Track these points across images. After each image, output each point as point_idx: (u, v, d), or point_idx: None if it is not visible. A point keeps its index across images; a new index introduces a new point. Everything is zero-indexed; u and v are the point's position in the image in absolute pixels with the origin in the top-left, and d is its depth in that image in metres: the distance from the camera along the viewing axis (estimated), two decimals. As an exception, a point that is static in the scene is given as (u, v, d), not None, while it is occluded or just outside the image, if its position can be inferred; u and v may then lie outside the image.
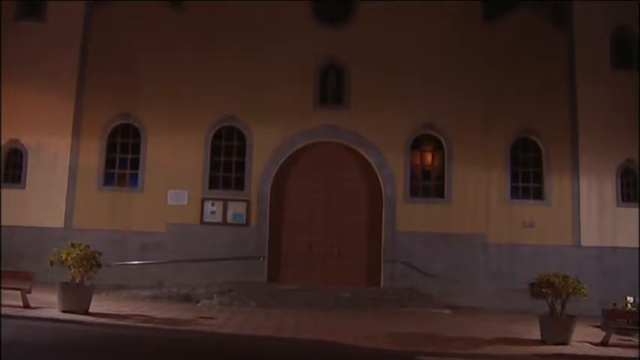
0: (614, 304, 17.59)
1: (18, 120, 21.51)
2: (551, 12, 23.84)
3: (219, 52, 21.98)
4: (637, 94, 22.10)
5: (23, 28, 22.33)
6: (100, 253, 15.48)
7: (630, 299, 18.21)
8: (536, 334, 14.74)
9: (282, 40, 22.02)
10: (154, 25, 22.16)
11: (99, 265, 15.40)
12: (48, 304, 15.45)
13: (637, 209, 21.61)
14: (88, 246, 15.53)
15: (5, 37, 21.96)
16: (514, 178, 22.09)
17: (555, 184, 21.96)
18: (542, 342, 14.27)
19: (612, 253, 21.45)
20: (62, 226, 21.24)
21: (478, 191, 21.70)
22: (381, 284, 21.19)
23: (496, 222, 21.62)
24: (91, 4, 22.40)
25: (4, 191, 21.13)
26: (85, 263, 15.13)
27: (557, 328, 14.40)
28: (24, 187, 21.65)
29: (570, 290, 14.30)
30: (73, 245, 15.43)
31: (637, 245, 21.05)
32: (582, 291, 14.39)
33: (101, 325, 13.84)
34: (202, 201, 21.44)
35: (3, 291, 14.79)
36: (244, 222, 21.41)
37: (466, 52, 22.21)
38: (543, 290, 14.41)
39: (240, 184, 21.72)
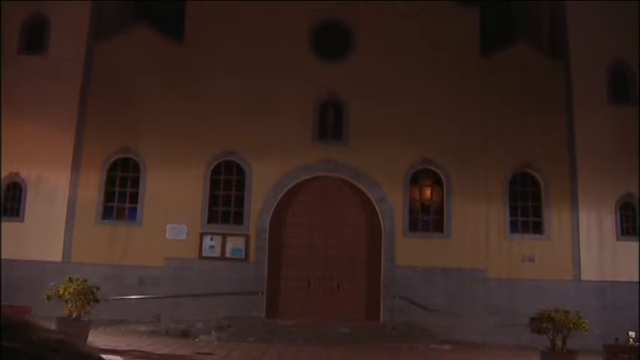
0: (616, 339, 17.40)
1: (18, 153, 21.51)
2: (548, 46, 24.17)
3: (218, 86, 22.16)
4: (634, 128, 22.21)
5: (25, 61, 22.55)
6: (97, 288, 15.37)
7: (632, 334, 17.98)
8: (538, 370, 14.57)
9: (281, 74, 22.24)
10: (154, 59, 22.41)
11: (96, 300, 15.28)
12: (44, 339, 15.22)
13: (637, 243, 21.51)
14: (86, 280, 15.42)
15: (7, 70, 22.13)
16: (513, 212, 22.07)
17: (555, 218, 21.93)
18: (544, 378, 14.10)
19: (613, 288, 21.28)
20: (60, 259, 21.10)
21: (477, 225, 21.67)
22: (381, 319, 21.01)
23: (496, 256, 21.53)
24: (92, 38, 22.63)
25: (3, 224, 21.04)
26: (82, 298, 15.02)
27: (558, 363, 14.24)
28: (22, 221, 21.57)
29: (571, 325, 14.15)
30: (70, 279, 15.32)
31: (637, 280, 20.89)
32: (583, 326, 14.24)
33: (97, 361, 13.62)
34: (201, 235, 21.38)
35: None
36: (243, 257, 21.31)
37: (464, 87, 22.44)
38: (544, 325, 14.27)
39: (239, 219, 21.69)
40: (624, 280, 21.29)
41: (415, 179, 22.17)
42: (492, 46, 23.08)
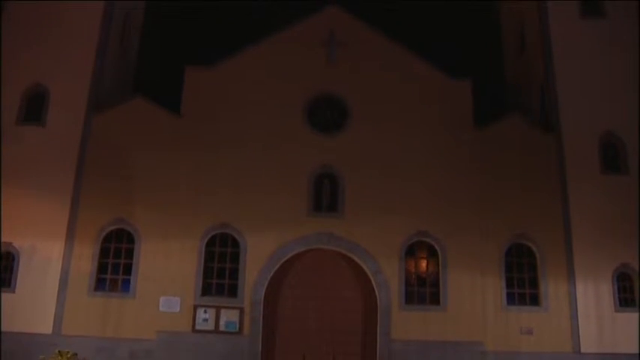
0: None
1: (12, 223, 21.43)
2: (540, 118, 24.54)
3: (214, 158, 22.35)
4: (628, 198, 22.37)
5: (23, 132, 22.70)
6: (87, 362, 15.12)
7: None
8: None
9: (277, 147, 22.48)
10: (151, 131, 22.64)
11: (86, 374, 15.00)
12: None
13: (636, 314, 21.36)
14: (76, 354, 15.21)
15: (5, 140, 22.28)
16: (510, 284, 21.91)
17: (551, 290, 21.77)
18: None
19: (613, 360, 21.01)
20: (50, 332, 20.72)
21: (474, 298, 21.48)
22: (377, 393, 20.61)
23: (493, 329, 21.26)
24: (90, 109, 22.85)
25: (-6, 295, 20.82)
26: (71, 372, 14.74)
27: None
28: (14, 291, 21.29)
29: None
30: (60, 353, 15.06)
31: (637, 351, 20.66)
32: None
33: None
34: (195, 308, 21.11)
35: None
36: (237, 330, 20.99)
37: (458, 158, 22.67)
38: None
39: (233, 291, 21.46)
40: (624, 352, 21.00)
41: (411, 251, 22.07)
42: (485, 118, 23.49)
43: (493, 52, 30.73)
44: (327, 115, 23.13)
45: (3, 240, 21.53)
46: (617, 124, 23.39)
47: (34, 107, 23.09)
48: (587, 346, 21.29)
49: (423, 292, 21.83)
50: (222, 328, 21.01)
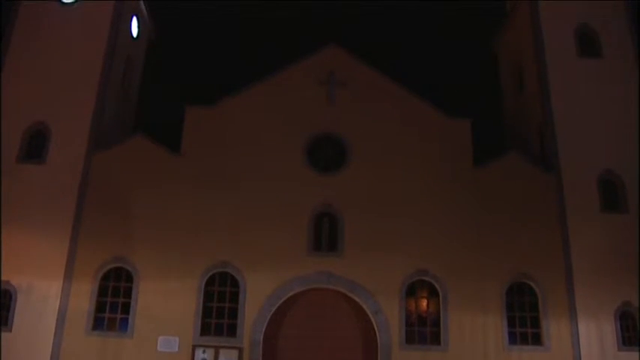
0: None
1: (10, 261, 21.36)
2: (539, 156, 24.66)
3: (214, 197, 22.40)
4: (628, 236, 22.35)
5: (23, 169, 22.78)
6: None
7: None
8: None
9: (276, 186, 22.57)
10: (151, 170, 22.73)
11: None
12: None
13: (638, 354, 21.14)
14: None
15: (5, 178, 22.34)
16: (511, 323, 21.74)
17: (553, 329, 21.59)
18: None
19: (617, 400, 20.76)
20: (47, 372, 20.52)
21: (475, 337, 21.30)
22: None
23: (495, 369, 21.04)
24: (91, 147, 22.97)
25: (-11, 334, 20.63)
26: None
27: None
28: (10, 330, 21.08)
29: None
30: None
31: (641, 391, 20.46)
32: None
33: None
34: (193, 348, 20.90)
35: None
36: (236, 370, 20.80)
37: (458, 197, 22.72)
38: None
39: (232, 331, 21.28)
40: (628, 392, 20.78)
41: (411, 290, 21.95)
42: (485, 156, 23.60)
43: (492, 92, 31.10)
44: (326, 154, 23.28)
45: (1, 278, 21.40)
46: (616, 162, 23.54)
47: (35, 145, 23.23)
48: (591, 385, 21.08)
49: (424, 331, 21.64)
50: (221, 368, 20.81)
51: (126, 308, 21.50)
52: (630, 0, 26.64)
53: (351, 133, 23.39)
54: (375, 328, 21.32)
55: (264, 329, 21.19)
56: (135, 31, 27.93)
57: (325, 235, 22.20)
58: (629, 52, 25.56)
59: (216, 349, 20.93)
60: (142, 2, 28.25)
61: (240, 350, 20.92)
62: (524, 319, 21.88)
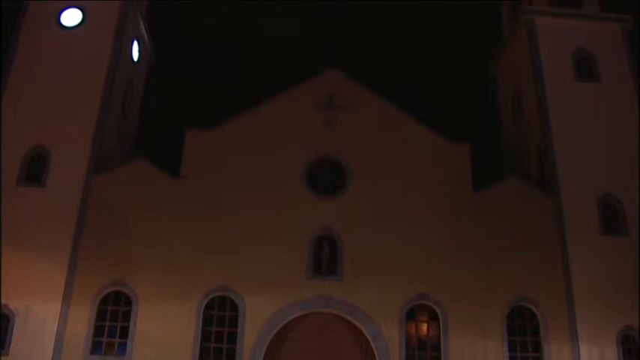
0: None
1: (8, 284, 21.22)
2: (538, 180, 24.70)
3: (214, 220, 22.39)
4: (628, 259, 22.32)
5: (23, 192, 22.75)
6: None
7: None
8: None
9: (276, 209, 22.56)
10: (151, 194, 22.75)
11: None
12: None
13: (640, 378, 21.02)
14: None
15: (4, 201, 22.30)
16: (512, 347, 21.60)
17: (555, 354, 21.45)
18: None
19: None
20: (42, 399, 20.32)
21: (476, 362, 21.15)
22: None
23: (496, 395, 20.87)
24: (91, 171, 23.00)
25: (-13, 359, 20.45)
26: None
27: None
28: (7, 354, 20.89)
29: None
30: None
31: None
32: None
33: None
34: (192, 373, 20.74)
35: None
36: (235, 396, 20.58)
37: (458, 221, 22.71)
38: None
39: (231, 356, 21.11)
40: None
41: (411, 315, 21.83)
42: (484, 180, 23.65)
43: (491, 116, 31.26)
44: (326, 177, 23.33)
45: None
46: (615, 185, 23.59)
47: (35, 168, 23.23)
48: (593, 411, 20.88)
49: (424, 355, 21.50)
50: (219, 393, 20.60)
51: (124, 332, 21.36)
52: (626, 24, 26.94)
53: (350, 157, 23.46)
54: (376, 353, 21.16)
55: (263, 354, 21.03)
56: (136, 55, 28.12)
57: (325, 258, 22.15)
58: (626, 76, 25.78)
59: (215, 374, 20.78)
60: (142, 26, 28.47)
61: (240, 375, 20.77)
62: (525, 343, 21.75)
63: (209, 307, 21.65)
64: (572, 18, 26.95)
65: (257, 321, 21.28)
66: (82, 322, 21.27)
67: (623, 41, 26.62)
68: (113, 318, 21.60)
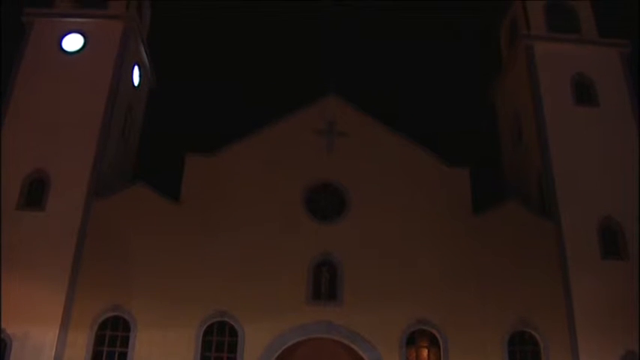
0: None
1: (6, 309, 21.06)
2: (538, 204, 24.69)
3: (213, 245, 22.33)
4: (629, 284, 22.21)
5: (22, 217, 22.70)
6: None
7: None
8: None
9: (275, 234, 22.53)
10: (151, 218, 22.72)
11: None
12: None
13: (643, 405, 20.80)
14: None
15: (3, 225, 22.26)
16: (514, 373, 21.43)
17: (557, 379, 21.28)
18: None
19: None
20: None
21: (477, 389, 20.93)
22: None
23: (497, 422, 20.64)
24: (91, 195, 22.99)
25: (-18, 387, 20.23)
26: None
27: None
28: (3, 381, 20.71)
29: None
30: None
31: None
32: None
33: None
34: (190, 399, 20.51)
35: None
36: None
37: (458, 245, 22.68)
38: None
39: (230, 382, 20.95)
40: None
41: (411, 340, 21.65)
42: (484, 204, 23.65)
43: (490, 140, 31.35)
44: (326, 202, 23.32)
45: (-6, 327, 21.16)
46: (615, 210, 23.57)
47: (35, 192, 23.21)
48: None
49: (425, 383, 21.32)
50: (218, 421, 20.35)
51: (123, 358, 21.17)
52: (624, 49, 27.13)
53: (350, 182, 23.48)
54: (376, 379, 21.01)
55: (262, 381, 20.86)
56: (136, 80, 28.30)
57: (325, 284, 22.05)
58: (625, 100, 25.92)
59: (214, 400, 20.55)
60: (143, 51, 28.69)
61: (238, 402, 20.54)
62: (526, 369, 21.58)
63: (208, 332, 21.46)
64: (571, 43, 27.19)
65: (256, 346, 21.11)
66: (80, 348, 21.08)
67: (622, 66, 26.82)
68: (111, 343, 21.42)
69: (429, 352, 21.68)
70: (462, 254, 22.51)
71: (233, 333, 21.47)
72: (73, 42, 26.00)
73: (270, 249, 22.27)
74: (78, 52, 25.86)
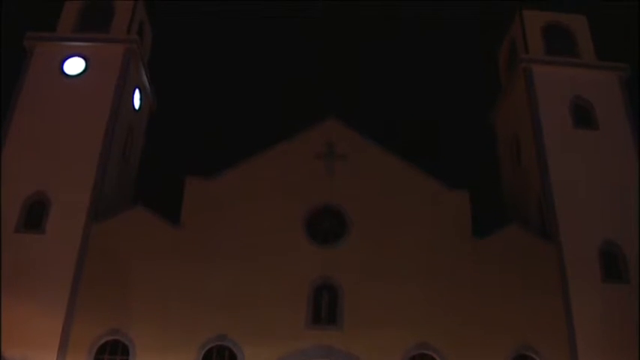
0: None
1: (5, 332, 20.91)
2: (539, 227, 24.63)
3: (213, 269, 22.26)
4: (629, 307, 22.07)
5: (22, 240, 22.68)
6: None
7: None
8: None
9: (276, 258, 22.47)
10: (150, 242, 22.68)
11: None
12: None
13: None
14: None
15: (4, 248, 22.20)
16: (516, 399, 21.23)
17: (558, 404, 21.07)
18: None
19: None
20: None
21: (479, 415, 20.72)
22: None
23: None
24: (91, 218, 22.96)
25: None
26: None
27: None
28: (-1, 407, 20.50)
29: None
30: None
31: None
32: None
33: None
34: None
35: None
36: None
37: (458, 268, 22.59)
38: None
39: (229, 408, 20.74)
40: None
41: (412, 364, 21.52)
42: (484, 228, 23.63)
43: (490, 163, 31.40)
44: (326, 226, 23.30)
45: (-8, 351, 21.01)
46: (615, 233, 23.54)
47: (34, 215, 23.20)
48: None
49: (426, 408, 21.08)
50: None
51: (121, 383, 21.02)
52: (623, 72, 27.27)
53: (350, 205, 23.49)
54: (376, 404, 20.78)
55: (261, 407, 20.64)
56: (137, 103, 28.44)
57: (325, 307, 21.92)
58: (623, 123, 26.01)
59: None
60: (144, 74, 28.86)
61: None
62: (530, 394, 21.37)
63: (207, 356, 21.27)
64: (569, 66, 27.34)
65: (256, 371, 20.96)
66: (77, 373, 20.93)
67: (620, 89, 26.97)
68: (110, 368, 21.27)
69: (429, 377, 21.52)
70: (462, 277, 22.42)
71: (233, 357, 21.30)
72: (74, 65, 26.21)
73: (270, 272, 22.20)
74: (79, 75, 26.04)
